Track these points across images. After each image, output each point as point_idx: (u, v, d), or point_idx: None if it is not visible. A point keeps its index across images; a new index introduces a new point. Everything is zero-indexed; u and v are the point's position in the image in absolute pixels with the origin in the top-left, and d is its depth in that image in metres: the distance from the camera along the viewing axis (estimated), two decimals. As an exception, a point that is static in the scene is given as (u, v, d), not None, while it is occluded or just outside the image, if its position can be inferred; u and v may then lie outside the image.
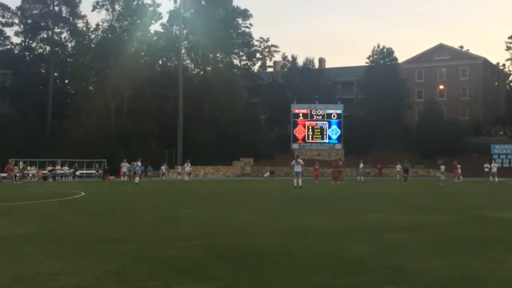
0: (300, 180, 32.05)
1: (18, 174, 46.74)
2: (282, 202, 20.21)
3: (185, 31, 77.97)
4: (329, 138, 75.31)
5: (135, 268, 6.87)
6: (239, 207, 17.43)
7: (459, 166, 49.64)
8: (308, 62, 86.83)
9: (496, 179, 44.12)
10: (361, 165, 51.54)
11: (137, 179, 42.49)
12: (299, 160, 34.01)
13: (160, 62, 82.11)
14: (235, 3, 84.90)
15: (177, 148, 66.75)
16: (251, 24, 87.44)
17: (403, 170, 50.99)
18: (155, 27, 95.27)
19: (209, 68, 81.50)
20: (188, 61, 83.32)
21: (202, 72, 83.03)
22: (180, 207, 17.02)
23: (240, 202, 20.39)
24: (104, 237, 9.89)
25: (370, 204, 18.75)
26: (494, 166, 46.07)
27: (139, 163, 45.17)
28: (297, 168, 32.97)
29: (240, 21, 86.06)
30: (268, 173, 58.58)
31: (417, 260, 7.40)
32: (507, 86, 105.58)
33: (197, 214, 14.64)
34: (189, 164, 50.03)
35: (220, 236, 10.01)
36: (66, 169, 57.04)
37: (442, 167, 54.04)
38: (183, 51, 76.67)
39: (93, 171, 60.11)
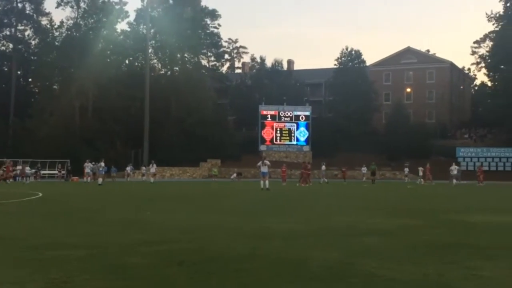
0: (267, 181, 31.63)
1: None
2: (248, 205, 19.74)
3: (152, 30, 77.07)
4: (297, 140, 75.10)
5: (81, 277, 6.27)
6: (204, 210, 16.88)
7: (421, 168, 50.11)
8: (277, 63, 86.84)
9: (456, 181, 44.72)
10: (323, 167, 51.44)
11: (100, 180, 41.55)
12: (265, 161, 33.73)
13: (127, 61, 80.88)
14: (203, 3, 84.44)
15: (143, 148, 65.82)
16: (219, 25, 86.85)
17: (371, 173, 50.95)
18: (122, 25, 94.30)
19: (177, 68, 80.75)
20: (155, 61, 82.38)
21: (169, 72, 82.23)
22: (142, 210, 16.38)
23: (205, 204, 19.86)
24: (55, 242, 9.23)
25: (338, 207, 18.45)
26: (455, 169, 46.76)
27: (102, 164, 44.14)
28: (264, 169, 32.62)
29: (208, 21, 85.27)
30: (235, 175, 57.94)
31: (388, 267, 6.99)
32: (472, 90, 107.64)
33: (159, 217, 14.05)
34: (154, 165, 49.21)
35: (182, 241, 9.48)
36: (27, 169, 55.44)
37: (406, 170, 54.39)
38: (150, 50, 75.77)
39: (56, 172, 58.58)
